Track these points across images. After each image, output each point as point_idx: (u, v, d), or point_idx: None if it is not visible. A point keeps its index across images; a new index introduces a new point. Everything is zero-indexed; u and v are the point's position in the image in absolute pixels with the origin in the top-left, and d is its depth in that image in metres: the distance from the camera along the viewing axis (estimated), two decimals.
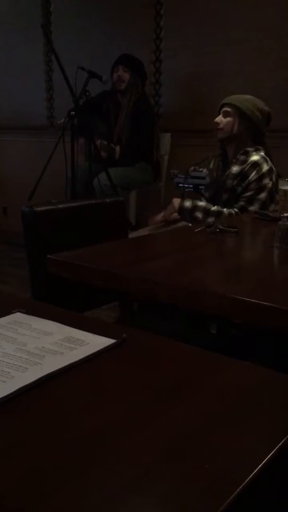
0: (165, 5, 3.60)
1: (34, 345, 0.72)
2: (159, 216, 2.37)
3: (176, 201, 2.21)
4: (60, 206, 1.55)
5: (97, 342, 0.73)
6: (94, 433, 0.53)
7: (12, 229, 2.78)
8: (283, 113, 3.14)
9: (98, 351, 0.71)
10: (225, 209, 2.07)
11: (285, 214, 1.45)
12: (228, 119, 2.15)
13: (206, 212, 2.10)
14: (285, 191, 1.80)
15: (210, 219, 2.02)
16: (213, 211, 2.08)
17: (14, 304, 0.87)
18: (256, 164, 2.06)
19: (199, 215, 2.11)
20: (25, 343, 0.73)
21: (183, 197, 2.20)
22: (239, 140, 2.14)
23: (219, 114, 2.19)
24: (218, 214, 2.07)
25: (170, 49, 3.62)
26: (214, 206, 2.11)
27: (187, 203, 2.15)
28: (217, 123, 2.17)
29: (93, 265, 1.17)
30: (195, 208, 2.13)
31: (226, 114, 2.17)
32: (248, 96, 2.21)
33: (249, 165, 2.07)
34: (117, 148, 3.32)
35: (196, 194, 2.68)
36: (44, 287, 1.47)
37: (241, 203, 2.07)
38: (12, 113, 4.44)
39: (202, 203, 2.14)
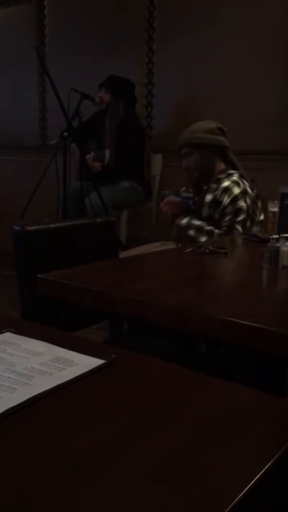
0: (157, 30, 3.68)
1: (23, 365, 0.72)
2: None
3: (175, 207, 2.23)
4: (51, 225, 1.56)
5: (86, 363, 0.73)
6: (81, 455, 0.53)
7: (1, 248, 2.78)
8: (272, 137, 3.20)
9: (87, 372, 0.71)
10: (216, 230, 2.10)
11: (274, 236, 1.47)
12: (190, 158, 2.18)
13: (199, 230, 2.11)
14: (274, 212, 1.83)
15: (202, 238, 2.04)
16: (206, 230, 2.10)
17: (4, 324, 0.87)
18: (226, 189, 2.08)
19: (191, 233, 2.13)
20: (14, 363, 0.72)
21: (180, 215, 2.21)
22: (210, 170, 2.17)
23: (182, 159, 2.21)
24: (210, 234, 2.09)
25: (162, 72, 3.69)
26: (208, 226, 2.12)
27: (184, 221, 2.17)
28: (185, 169, 2.20)
29: (83, 285, 1.17)
30: (189, 226, 2.15)
31: (185, 156, 2.20)
32: (192, 127, 2.21)
33: (220, 191, 2.09)
34: (107, 153, 3.36)
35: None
36: (34, 306, 1.46)
37: (224, 229, 2.09)
38: (4, 133, 4.47)
39: (197, 222, 2.15)
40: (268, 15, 3.20)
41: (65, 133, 2.90)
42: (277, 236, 1.45)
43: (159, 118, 3.77)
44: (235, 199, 2.07)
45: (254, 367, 1.35)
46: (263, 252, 1.38)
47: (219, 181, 2.13)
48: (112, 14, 3.85)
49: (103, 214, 2.95)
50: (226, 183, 2.10)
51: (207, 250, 1.50)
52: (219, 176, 2.14)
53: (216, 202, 2.10)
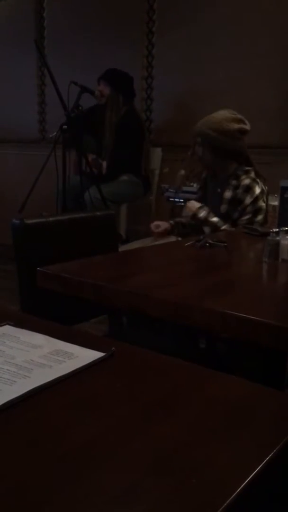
0: (157, 23, 3.66)
1: (22, 358, 0.72)
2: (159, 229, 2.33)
3: (193, 206, 2.17)
4: (51, 219, 1.55)
5: (85, 356, 0.73)
6: (81, 447, 0.53)
7: (1, 241, 2.77)
8: (273, 130, 3.19)
9: (86, 365, 0.71)
10: (234, 229, 2.07)
11: (274, 229, 1.47)
12: (202, 149, 2.15)
13: (215, 228, 2.10)
14: (274, 206, 1.82)
15: None
16: (223, 229, 2.09)
17: (3, 317, 0.86)
18: (248, 188, 2.08)
19: (206, 230, 2.11)
20: (14, 356, 0.72)
21: (201, 206, 2.17)
22: (219, 167, 2.15)
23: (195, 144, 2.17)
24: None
25: (162, 66, 3.67)
26: (225, 224, 2.10)
27: (202, 213, 2.14)
28: (199, 158, 2.17)
29: (83, 278, 1.17)
30: (206, 221, 2.13)
31: (198, 145, 2.16)
32: (215, 118, 2.13)
33: (242, 190, 2.08)
34: (104, 163, 3.34)
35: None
36: (33, 300, 1.46)
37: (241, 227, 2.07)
38: (3, 126, 4.46)
39: (215, 219, 2.13)
40: (268, 8, 3.18)
41: (65, 126, 2.88)
42: (277, 229, 1.45)
43: (159, 112, 3.75)
44: (256, 199, 2.07)
45: (254, 361, 1.35)
46: (262, 245, 1.38)
47: (239, 178, 2.11)
48: (112, 6, 3.82)
49: (103, 208, 2.94)
50: (247, 181, 2.09)
51: (207, 244, 1.49)
52: (238, 172, 2.12)
53: (235, 200, 2.09)
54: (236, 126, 2.11)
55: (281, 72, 3.18)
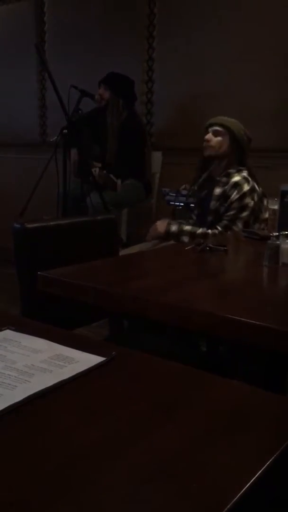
0: (157, 27, 3.67)
1: (23, 363, 0.72)
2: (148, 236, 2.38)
3: (161, 226, 2.23)
4: (51, 223, 1.56)
5: (86, 360, 0.73)
6: (82, 452, 0.53)
7: (1, 245, 2.78)
8: (273, 134, 3.19)
9: (87, 369, 0.71)
10: (209, 231, 2.11)
11: (274, 233, 1.47)
12: (219, 138, 2.20)
13: (192, 235, 2.12)
14: (274, 210, 1.83)
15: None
16: (199, 234, 2.11)
17: (4, 321, 0.87)
18: (236, 184, 2.10)
19: (185, 239, 2.14)
20: (15, 361, 0.72)
21: (169, 222, 2.22)
22: (227, 161, 2.18)
23: (207, 133, 2.22)
24: (204, 236, 2.09)
25: (162, 70, 3.68)
26: (199, 229, 2.13)
27: (173, 228, 2.18)
28: (208, 140, 2.20)
29: (84, 283, 1.17)
30: (181, 232, 2.15)
31: (216, 134, 2.21)
32: (234, 120, 2.27)
33: (230, 186, 2.11)
34: (119, 182, 3.32)
35: (187, 211, 2.70)
36: (34, 304, 1.46)
37: (225, 222, 2.10)
38: (4, 130, 4.47)
39: (187, 227, 2.17)
40: (268, 11, 3.19)
41: (65, 130, 2.89)
42: (277, 233, 1.45)
43: (159, 116, 3.76)
44: (243, 195, 2.09)
45: (255, 365, 1.35)
46: (263, 249, 1.38)
47: (229, 175, 2.15)
48: (112, 11, 3.84)
49: (104, 212, 2.94)
50: (236, 178, 2.12)
51: (207, 248, 1.50)
52: (230, 171, 2.16)
53: (225, 196, 2.11)
54: (249, 134, 2.25)
55: (280, 76, 3.18)
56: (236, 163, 2.20)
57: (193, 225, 2.22)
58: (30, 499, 0.46)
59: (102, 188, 3.09)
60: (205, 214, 2.19)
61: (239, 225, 2.07)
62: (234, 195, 2.09)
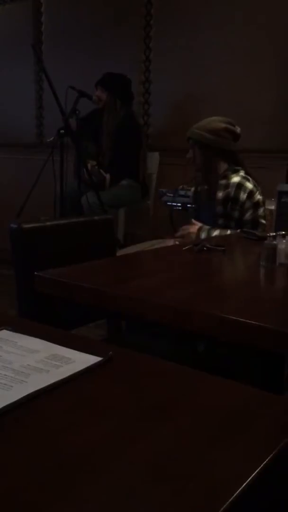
0: (154, 28, 3.68)
1: (19, 363, 0.71)
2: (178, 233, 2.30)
3: (194, 227, 2.13)
4: (48, 223, 1.55)
5: (83, 360, 0.73)
6: (79, 452, 0.53)
7: None
8: (270, 135, 3.20)
9: (84, 369, 0.70)
10: (231, 231, 2.05)
11: (271, 234, 1.47)
12: (191, 152, 2.17)
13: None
14: (271, 210, 1.83)
15: None
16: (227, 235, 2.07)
17: (0, 322, 0.86)
18: (240, 185, 2.07)
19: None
20: (11, 361, 0.72)
21: (200, 227, 2.13)
22: (209, 168, 2.15)
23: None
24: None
25: (159, 70, 3.68)
26: (225, 229, 2.08)
27: (203, 235, 2.09)
28: (190, 159, 2.18)
29: (81, 283, 1.16)
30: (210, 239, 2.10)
31: (190, 147, 2.18)
32: (207, 120, 2.19)
33: (233, 188, 2.07)
34: (108, 176, 3.32)
35: (184, 212, 2.70)
36: (31, 304, 1.46)
37: (249, 226, 2.06)
38: (1, 130, 4.46)
39: (216, 232, 2.09)
40: (266, 12, 3.20)
41: (62, 131, 2.89)
42: (274, 234, 1.45)
43: (156, 116, 3.76)
44: (251, 193, 2.07)
45: (252, 365, 1.35)
46: (260, 250, 1.38)
47: (227, 177, 2.11)
48: (109, 11, 3.84)
49: (101, 212, 2.94)
50: (236, 179, 2.09)
51: (205, 248, 1.49)
52: (226, 172, 2.13)
53: (230, 199, 2.07)
54: (223, 125, 2.15)
55: (279, 77, 3.19)
56: (228, 163, 2.15)
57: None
58: (30, 500, 0.46)
59: (96, 187, 3.09)
60: (211, 217, 2.15)
61: (263, 221, 2.05)
62: (242, 195, 2.06)
